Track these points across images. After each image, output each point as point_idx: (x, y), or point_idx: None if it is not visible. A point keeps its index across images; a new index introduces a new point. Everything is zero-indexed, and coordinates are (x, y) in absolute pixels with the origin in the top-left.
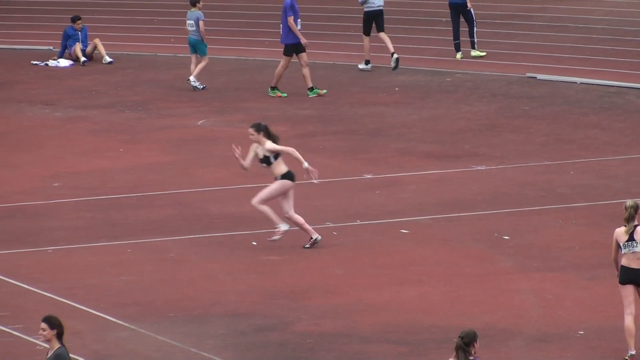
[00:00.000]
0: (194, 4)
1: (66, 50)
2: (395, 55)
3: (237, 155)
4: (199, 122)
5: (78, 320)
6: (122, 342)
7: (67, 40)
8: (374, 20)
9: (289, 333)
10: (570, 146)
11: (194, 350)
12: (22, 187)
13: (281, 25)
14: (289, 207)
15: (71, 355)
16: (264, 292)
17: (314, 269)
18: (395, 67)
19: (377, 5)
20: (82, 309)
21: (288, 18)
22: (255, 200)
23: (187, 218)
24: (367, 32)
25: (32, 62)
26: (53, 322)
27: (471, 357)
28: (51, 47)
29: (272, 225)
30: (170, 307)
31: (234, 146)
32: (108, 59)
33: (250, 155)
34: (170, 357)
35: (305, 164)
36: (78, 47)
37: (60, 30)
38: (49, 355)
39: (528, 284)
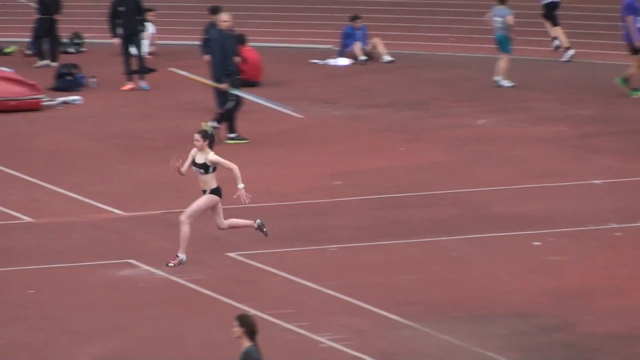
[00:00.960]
0: (502, 1)
1: (346, 49)
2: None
3: (177, 165)
4: (479, 122)
5: (362, 319)
6: (405, 341)
7: (347, 39)
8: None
9: (574, 334)
10: None
11: (477, 349)
12: (305, 185)
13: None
14: (221, 221)
15: (356, 353)
16: (548, 293)
17: (598, 269)
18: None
19: None
20: (366, 308)
21: (626, 18)
22: (183, 216)
23: (469, 217)
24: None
25: (310, 60)
26: (243, 321)
27: None
28: (331, 46)
29: (178, 249)
30: (453, 307)
31: (173, 161)
32: (388, 58)
33: (189, 160)
34: (454, 357)
35: (241, 185)
36: (357, 46)
37: (339, 29)
38: (241, 351)
39: None
